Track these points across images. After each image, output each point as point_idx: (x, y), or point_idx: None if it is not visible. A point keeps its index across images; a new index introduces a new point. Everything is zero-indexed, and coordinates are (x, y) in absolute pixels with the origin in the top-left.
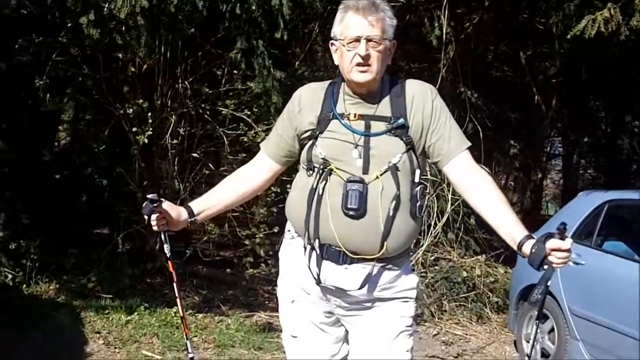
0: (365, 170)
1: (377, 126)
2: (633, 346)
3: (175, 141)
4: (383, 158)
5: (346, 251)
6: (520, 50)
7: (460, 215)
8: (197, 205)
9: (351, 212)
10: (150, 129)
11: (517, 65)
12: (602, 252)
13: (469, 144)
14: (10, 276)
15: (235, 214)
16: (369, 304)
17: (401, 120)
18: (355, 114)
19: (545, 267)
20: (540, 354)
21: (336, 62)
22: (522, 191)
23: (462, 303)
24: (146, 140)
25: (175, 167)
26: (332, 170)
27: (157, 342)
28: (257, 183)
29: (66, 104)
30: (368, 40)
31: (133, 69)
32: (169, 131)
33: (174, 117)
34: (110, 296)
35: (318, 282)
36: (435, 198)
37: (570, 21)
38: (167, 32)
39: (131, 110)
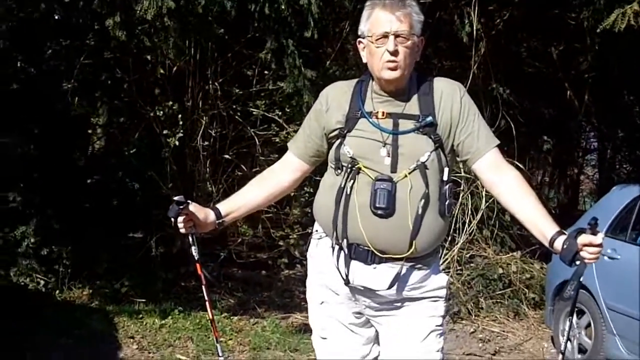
0: (394, 169)
1: (405, 124)
2: None
3: (206, 143)
4: (411, 156)
5: (375, 250)
6: (551, 46)
7: (495, 212)
8: (224, 207)
9: (380, 211)
10: (181, 131)
11: (549, 60)
12: (637, 246)
13: (498, 142)
14: (42, 282)
15: (268, 215)
16: (398, 304)
17: (429, 119)
18: (383, 112)
19: (578, 262)
20: (578, 349)
21: (364, 60)
22: (558, 187)
23: (498, 300)
24: (177, 143)
25: (208, 169)
26: (360, 169)
27: (192, 345)
28: (285, 184)
29: (99, 108)
30: (396, 36)
31: (162, 71)
32: (200, 133)
33: (204, 118)
34: (144, 300)
35: (347, 282)
36: (469, 195)
37: (600, 15)
38: (196, 33)
39: (161, 112)
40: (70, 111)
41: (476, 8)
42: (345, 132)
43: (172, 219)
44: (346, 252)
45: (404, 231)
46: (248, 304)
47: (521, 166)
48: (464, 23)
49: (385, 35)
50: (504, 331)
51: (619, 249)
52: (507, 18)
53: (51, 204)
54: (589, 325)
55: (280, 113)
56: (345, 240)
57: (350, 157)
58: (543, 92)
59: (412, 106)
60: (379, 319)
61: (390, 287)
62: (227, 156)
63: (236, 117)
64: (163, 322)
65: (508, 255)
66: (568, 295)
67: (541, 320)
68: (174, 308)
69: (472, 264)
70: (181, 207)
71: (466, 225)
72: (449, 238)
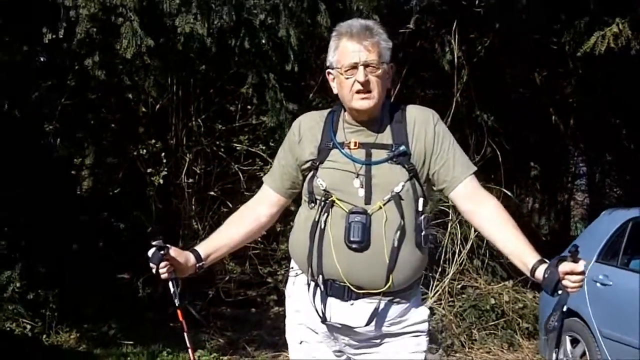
0: (368, 200)
1: (379, 154)
2: None
3: (191, 180)
4: (385, 187)
5: (351, 286)
6: (535, 71)
7: (485, 241)
8: (204, 248)
9: (354, 245)
10: (165, 169)
11: (533, 86)
12: (629, 272)
13: (475, 168)
14: (29, 327)
15: (256, 252)
16: (377, 341)
17: (402, 148)
18: (355, 143)
19: (560, 292)
20: None
21: (335, 92)
22: (549, 213)
23: (492, 331)
24: (162, 181)
25: (193, 207)
26: (333, 201)
27: None
28: (263, 219)
29: (86, 149)
30: (366, 65)
31: (145, 109)
32: (185, 170)
33: (189, 155)
34: (132, 342)
35: (323, 320)
36: (458, 224)
37: (581, 39)
38: (177, 70)
39: (145, 151)
40: (54, 153)
41: (456, 36)
42: (317, 163)
43: (153, 265)
44: (322, 288)
45: (380, 265)
46: (237, 343)
47: (509, 193)
48: (445, 51)
49: (354, 66)
50: None
51: (610, 275)
52: (488, 45)
53: (36, 247)
54: (584, 354)
55: (264, 147)
56: (320, 277)
57: (324, 190)
58: (528, 118)
59: (385, 136)
60: (359, 357)
61: (368, 323)
62: (212, 193)
63: (220, 153)
64: None
65: (500, 285)
66: (552, 326)
67: (536, 351)
68: (162, 350)
69: (463, 295)
70: (162, 252)
71: (456, 255)
72: (439, 269)
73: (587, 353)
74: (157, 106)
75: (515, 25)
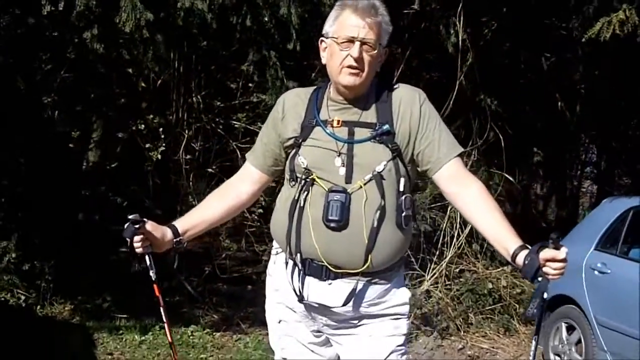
0: (349, 179)
1: (362, 133)
2: None
3: (189, 157)
4: (367, 166)
5: (329, 266)
6: (542, 56)
7: None
8: (182, 224)
9: (332, 224)
10: (163, 144)
11: (539, 71)
12: (628, 260)
13: (461, 149)
14: (23, 297)
15: (252, 230)
16: (356, 321)
17: (386, 127)
18: (338, 121)
19: (540, 279)
20: None
21: (324, 61)
22: (557, 201)
23: (488, 315)
24: (160, 157)
25: (191, 183)
26: (314, 180)
27: None
28: (244, 196)
29: (94, 122)
30: (363, 43)
31: (144, 85)
32: (183, 146)
33: (187, 132)
34: (126, 316)
35: (300, 299)
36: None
37: (589, 24)
38: (178, 45)
39: (143, 126)
40: (55, 126)
41: (461, 18)
42: (300, 141)
43: (128, 239)
44: (300, 267)
45: (359, 245)
46: (232, 320)
47: (511, 179)
48: (450, 34)
49: (351, 40)
50: (493, 347)
51: (609, 263)
52: (495, 28)
53: (33, 218)
54: (579, 341)
55: (262, 125)
56: (299, 255)
57: (305, 168)
58: (533, 103)
59: (369, 114)
60: (338, 339)
61: (345, 303)
62: (210, 170)
63: (219, 130)
64: (143, 338)
65: (498, 270)
66: (531, 313)
67: (532, 336)
68: (154, 324)
69: (461, 279)
70: (137, 226)
71: (454, 239)
72: (437, 252)
73: (582, 340)
74: (159, 82)
75: (523, 9)
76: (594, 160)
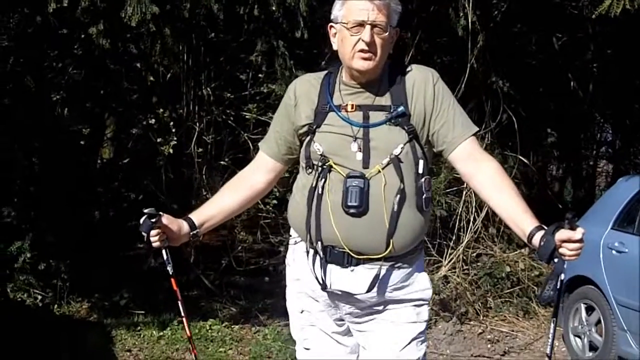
0: (366, 164)
1: (377, 116)
2: None
3: (201, 150)
4: (384, 150)
5: (350, 252)
6: (553, 37)
7: None
8: (198, 216)
9: (352, 210)
10: (174, 138)
11: (551, 52)
12: None
13: (476, 129)
14: (40, 297)
15: (267, 221)
16: (380, 307)
17: (401, 109)
18: (352, 105)
19: (556, 260)
20: (589, 347)
21: (335, 47)
22: (573, 181)
23: (507, 299)
24: (171, 151)
25: (204, 177)
26: (331, 166)
27: (190, 357)
28: (259, 186)
29: (107, 119)
30: (373, 25)
31: (153, 79)
32: (194, 139)
33: (198, 125)
34: (143, 312)
35: (324, 287)
36: (472, 192)
37: (599, 1)
38: (186, 38)
39: (154, 120)
40: (66, 123)
41: (471, 1)
42: (314, 127)
43: (144, 234)
44: (321, 255)
45: (380, 230)
46: (250, 312)
47: (525, 160)
48: (460, 16)
49: (361, 24)
50: (513, 331)
51: (626, 242)
52: (505, 10)
53: (47, 218)
54: (599, 322)
55: (273, 116)
56: (319, 243)
57: (321, 155)
58: (546, 84)
59: (383, 97)
60: (359, 326)
61: (369, 290)
62: (223, 162)
63: (229, 122)
64: (161, 333)
65: (515, 253)
66: (547, 295)
67: (551, 318)
68: (173, 319)
69: (478, 263)
70: (153, 220)
71: (471, 223)
72: (454, 237)
73: (602, 321)
74: (168, 75)
75: None
76: (609, 139)
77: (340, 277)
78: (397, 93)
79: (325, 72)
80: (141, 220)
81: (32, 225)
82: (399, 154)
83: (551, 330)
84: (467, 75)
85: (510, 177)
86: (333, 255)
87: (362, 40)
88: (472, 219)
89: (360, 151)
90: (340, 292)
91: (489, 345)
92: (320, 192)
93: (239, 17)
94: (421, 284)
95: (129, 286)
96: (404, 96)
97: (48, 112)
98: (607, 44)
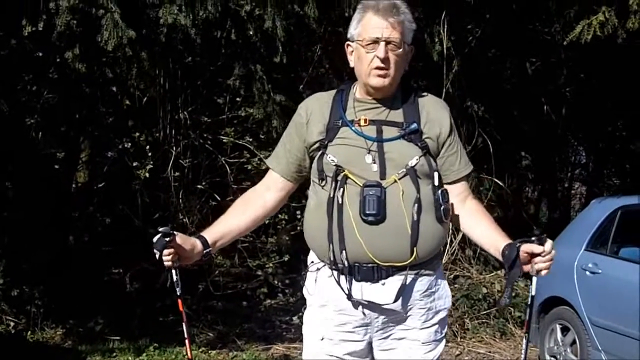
0: (383, 175)
1: (390, 132)
2: None
3: (177, 174)
4: (399, 161)
5: (375, 259)
6: (526, 61)
7: None
8: (210, 234)
9: (370, 218)
10: (151, 162)
11: (525, 76)
12: (618, 260)
13: (472, 168)
14: (12, 324)
15: (244, 245)
16: (406, 316)
17: (414, 125)
18: (365, 119)
19: (516, 268)
20: None
21: (351, 65)
22: (548, 204)
23: (484, 320)
24: (147, 175)
25: (181, 201)
26: (346, 176)
27: None
28: (269, 204)
29: (82, 143)
30: (387, 42)
31: (129, 103)
32: (171, 163)
33: (174, 149)
34: (119, 338)
35: (349, 297)
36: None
37: (570, 28)
38: (163, 62)
39: (129, 144)
40: (40, 147)
41: (445, 27)
42: (326, 142)
43: (157, 252)
44: (348, 276)
45: (403, 237)
46: (228, 337)
47: (500, 183)
48: (435, 42)
49: (376, 41)
50: (490, 352)
51: (600, 263)
52: (479, 35)
53: (21, 243)
54: (574, 342)
55: (251, 140)
56: (344, 254)
57: (335, 165)
58: (520, 108)
59: (396, 114)
60: (385, 344)
61: (396, 299)
62: (200, 186)
63: (207, 145)
64: (138, 359)
65: (492, 275)
66: (504, 302)
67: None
68: (149, 344)
69: (456, 285)
70: (167, 239)
71: (447, 245)
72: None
73: (577, 341)
74: (145, 99)
75: (506, 15)
76: (582, 161)
77: (370, 291)
78: (409, 111)
79: (337, 89)
80: (155, 239)
81: (5, 250)
82: (414, 165)
83: (523, 347)
84: (442, 99)
85: (485, 200)
86: (362, 272)
87: (377, 57)
88: (448, 241)
89: (375, 163)
90: (366, 302)
91: None
92: (339, 202)
93: (216, 41)
94: (444, 291)
95: (103, 312)
96: (417, 115)
97: (22, 136)
98: (579, 69)
